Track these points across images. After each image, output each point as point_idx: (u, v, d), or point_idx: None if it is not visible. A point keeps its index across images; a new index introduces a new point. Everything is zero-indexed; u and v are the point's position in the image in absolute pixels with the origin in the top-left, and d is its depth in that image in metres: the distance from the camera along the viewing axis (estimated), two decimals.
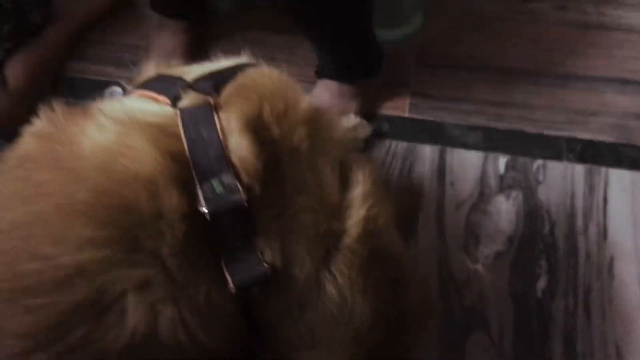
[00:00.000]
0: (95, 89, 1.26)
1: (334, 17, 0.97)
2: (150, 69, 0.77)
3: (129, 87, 1.07)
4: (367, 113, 1.19)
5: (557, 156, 1.16)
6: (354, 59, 1.11)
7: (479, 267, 1.05)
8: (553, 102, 1.23)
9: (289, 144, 0.58)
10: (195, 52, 1.29)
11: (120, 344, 0.51)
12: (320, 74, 1.17)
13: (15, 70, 1.16)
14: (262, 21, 1.34)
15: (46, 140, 0.58)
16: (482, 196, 1.12)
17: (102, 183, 0.52)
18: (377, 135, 1.18)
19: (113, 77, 1.28)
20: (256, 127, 0.57)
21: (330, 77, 1.15)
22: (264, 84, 0.63)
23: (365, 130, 1.16)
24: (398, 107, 1.22)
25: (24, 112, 1.15)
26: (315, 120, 0.62)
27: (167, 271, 0.51)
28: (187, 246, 0.52)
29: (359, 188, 0.62)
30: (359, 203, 0.61)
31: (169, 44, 1.27)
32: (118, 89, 1.24)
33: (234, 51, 1.34)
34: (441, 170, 1.15)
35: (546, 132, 1.19)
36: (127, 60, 1.30)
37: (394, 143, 1.18)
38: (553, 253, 1.06)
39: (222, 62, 0.73)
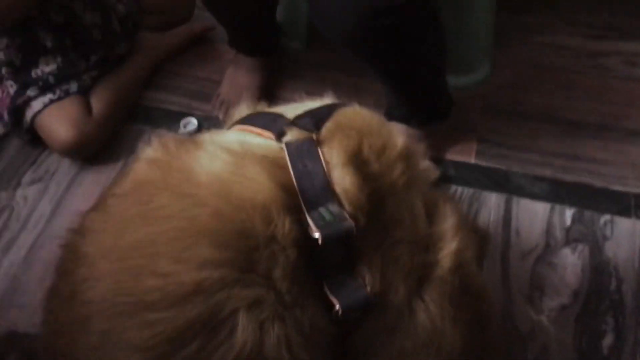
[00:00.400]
0: (171, 118, 1.35)
1: (410, 61, 1.04)
2: (243, 108, 0.85)
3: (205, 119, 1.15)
4: (434, 157, 1.24)
5: (625, 212, 1.19)
6: (425, 103, 1.18)
7: (544, 319, 1.08)
8: (621, 157, 1.27)
9: (388, 178, 0.65)
10: (267, 89, 1.38)
11: None
12: (389, 116, 1.23)
13: (100, 98, 1.26)
14: (333, 62, 1.43)
15: (162, 168, 0.65)
16: (548, 248, 1.15)
17: (221, 208, 0.58)
18: (443, 179, 1.23)
19: (188, 108, 1.38)
20: (358, 162, 0.64)
21: (399, 119, 1.21)
22: (362, 122, 0.70)
23: (433, 173, 1.21)
24: (464, 153, 1.28)
25: (105, 137, 1.26)
26: (409, 157, 0.69)
27: (277, 292, 0.57)
28: (296, 270, 0.58)
29: (449, 221, 0.67)
30: (450, 236, 0.66)
31: (242, 79, 1.36)
32: (193, 120, 1.33)
33: (304, 89, 1.43)
34: (506, 218, 1.19)
35: (614, 187, 1.23)
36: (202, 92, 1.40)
37: (459, 188, 1.23)
38: (620, 310, 1.08)
39: (311, 103, 0.81)
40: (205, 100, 1.39)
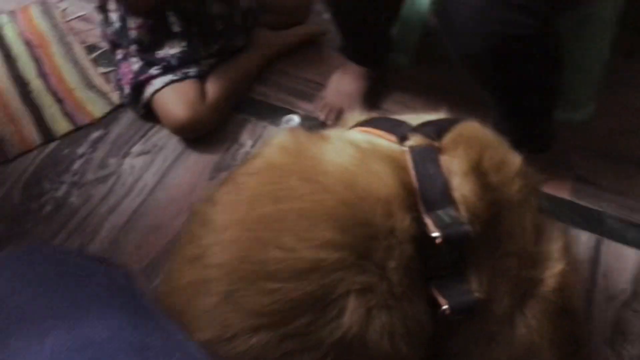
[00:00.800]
0: (274, 113, 1.42)
1: (527, 89, 1.06)
2: (357, 113, 0.90)
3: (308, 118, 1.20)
4: None
5: None
6: (529, 132, 1.19)
7: None
8: None
9: (505, 192, 0.68)
10: (369, 98, 1.43)
11: (333, 338, 0.60)
12: None
13: (215, 84, 1.35)
14: (437, 81, 1.47)
15: (292, 154, 0.71)
16: (635, 295, 1.14)
17: (346, 196, 0.63)
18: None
19: (291, 105, 1.45)
20: (478, 172, 0.67)
21: None
22: (482, 136, 0.74)
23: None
24: (559, 188, 1.28)
25: (215, 121, 1.35)
26: (525, 176, 0.72)
27: (388, 282, 0.61)
28: (409, 265, 0.62)
29: (557, 243, 0.70)
30: (557, 257, 0.69)
31: (347, 86, 1.41)
32: (295, 118, 1.39)
33: (405, 103, 1.47)
34: (595, 260, 1.19)
35: None
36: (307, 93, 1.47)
37: None
38: None
39: (428, 114, 0.85)
40: (308, 101, 1.46)
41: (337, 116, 1.37)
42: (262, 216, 0.65)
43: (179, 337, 0.45)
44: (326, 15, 1.62)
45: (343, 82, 1.42)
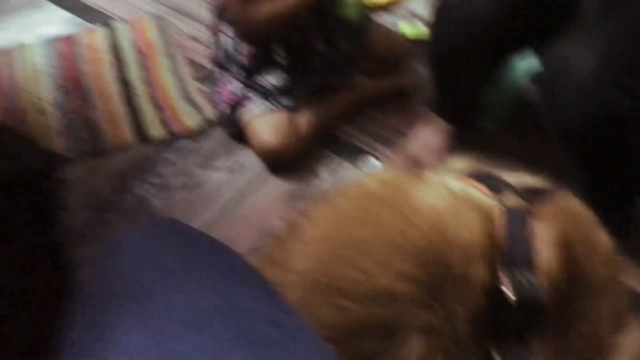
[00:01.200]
0: (354, 153, 1.49)
1: (617, 172, 1.08)
2: (453, 161, 0.94)
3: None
4: None
5: None
6: (610, 213, 1.19)
7: None
8: None
9: (588, 272, 0.68)
10: (446, 153, 1.47)
11: None
12: None
13: (307, 119, 1.43)
14: (521, 150, 1.48)
15: (389, 187, 0.75)
16: None
17: (430, 235, 0.67)
18: None
19: (371, 148, 1.50)
20: (565, 245, 0.68)
21: None
22: (578, 212, 0.75)
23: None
24: (635, 280, 1.26)
25: (301, 153, 1.42)
26: (614, 263, 0.73)
27: (453, 327, 0.63)
28: (476, 316, 0.64)
29: (631, 340, 0.69)
30: (626, 352, 0.68)
31: (430, 140, 1.46)
32: (374, 160, 1.45)
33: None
34: None
35: None
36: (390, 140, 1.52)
37: None
38: None
39: (525, 176, 0.87)
40: (389, 147, 1.51)
41: (415, 167, 1.42)
42: (348, 237, 0.69)
43: (303, 321, 0.49)
44: (419, 69, 1.69)
45: (426, 136, 1.46)
